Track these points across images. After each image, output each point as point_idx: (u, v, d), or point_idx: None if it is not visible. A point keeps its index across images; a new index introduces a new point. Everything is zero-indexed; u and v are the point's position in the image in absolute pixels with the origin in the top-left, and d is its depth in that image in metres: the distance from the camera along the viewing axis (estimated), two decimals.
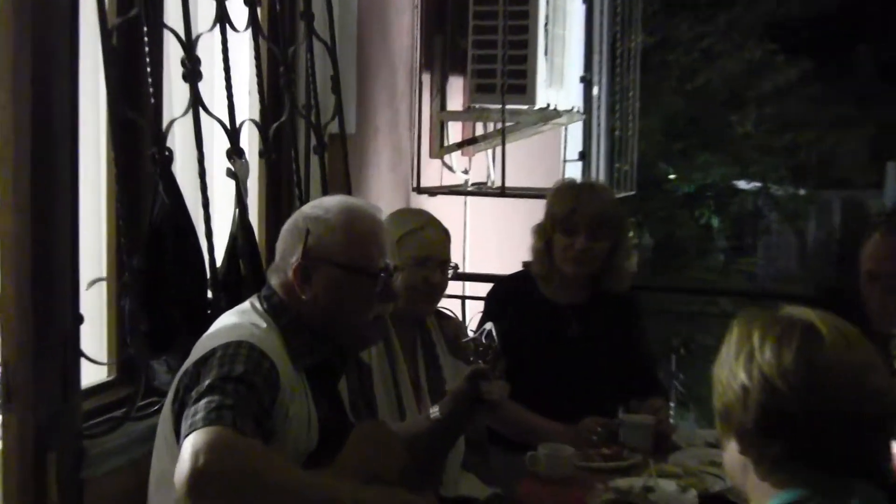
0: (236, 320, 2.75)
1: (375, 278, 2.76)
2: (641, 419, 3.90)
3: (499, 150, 6.21)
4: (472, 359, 3.10)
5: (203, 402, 2.40)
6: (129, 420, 3.20)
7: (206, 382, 2.45)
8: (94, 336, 3.44)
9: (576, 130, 9.11)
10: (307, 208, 2.85)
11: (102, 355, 3.48)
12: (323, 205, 2.82)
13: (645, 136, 12.27)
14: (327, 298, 2.75)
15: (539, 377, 4.08)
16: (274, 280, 2.82)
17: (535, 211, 4.41)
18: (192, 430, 2.34)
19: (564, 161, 8.77)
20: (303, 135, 4.33)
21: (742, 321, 2.11)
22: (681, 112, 18.15)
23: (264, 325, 2.72)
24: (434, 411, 3.14)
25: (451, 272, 3.72)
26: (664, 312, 9.29)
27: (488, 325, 3.11)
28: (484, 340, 3.09)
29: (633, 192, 8.13)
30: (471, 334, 3.20)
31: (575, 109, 6.91)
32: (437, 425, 3.11)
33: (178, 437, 2.48)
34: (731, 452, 2.11)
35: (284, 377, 2.61)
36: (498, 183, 6.30)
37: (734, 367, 2.06)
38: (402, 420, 3.51)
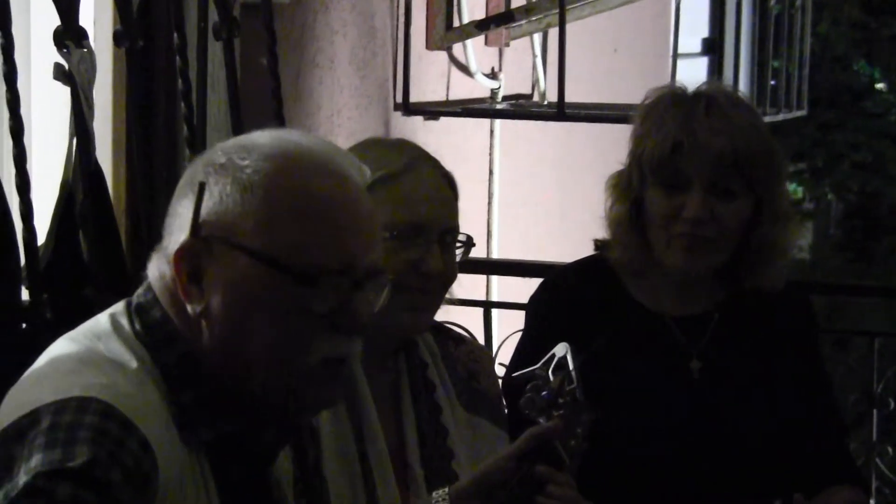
0: (79, 352, 1.97)
1: (317, 285, 1.93)
2: None
3: (552, 36, 5.03)
4: (527, 412, 2.32)
5: None
6: None
7: (22, 480, 1.81)
8: None
9: (697, 2, 7.49)
10: (228, 146, 2.04)
11: None
12: (248, 144, 2.01)
13: (828, 9, 9.75)
14: (227, 315, 1.95)
15: (633, 450, 2.92)
16: (157, 276, 2.01)
17: (617, 148, 3.17)
18: None
19: (675, 56, 6.16)
20: (194, 3, 3.29)
21: None
22: None
23: (134, 364, 1.96)
24: None
25: (460, 253, 2.66)
26: (858, 335, 6.03)
27: (560, 350, 2.37)
28: (551, 378, 2.32)
29: (802, 113, 6.64)
30: (499, 368, 2.43)
31: None
32: None
33: None
34: None
35: (167, 466, 1.89)
36: (552, 96, 5.04)
37: None
38: None
